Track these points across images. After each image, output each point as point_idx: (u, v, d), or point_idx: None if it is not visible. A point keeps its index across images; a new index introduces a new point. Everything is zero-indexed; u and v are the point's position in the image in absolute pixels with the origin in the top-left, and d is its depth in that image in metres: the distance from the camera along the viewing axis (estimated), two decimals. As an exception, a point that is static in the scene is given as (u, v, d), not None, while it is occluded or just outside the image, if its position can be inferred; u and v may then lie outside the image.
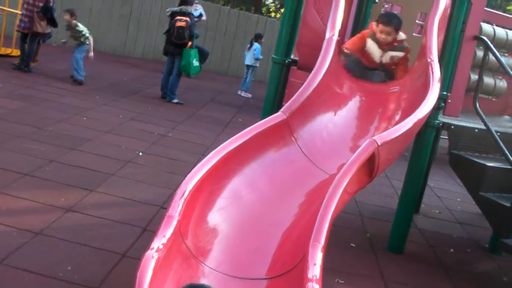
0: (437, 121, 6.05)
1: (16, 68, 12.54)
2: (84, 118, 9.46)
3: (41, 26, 12.35)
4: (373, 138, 3.91)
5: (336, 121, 4.91)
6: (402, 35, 5.83)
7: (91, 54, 12.74)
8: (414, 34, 7.13)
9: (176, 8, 12.99)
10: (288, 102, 4.50)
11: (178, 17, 12.51)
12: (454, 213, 8.60)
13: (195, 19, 13.43)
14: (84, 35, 12.54)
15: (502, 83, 7.21)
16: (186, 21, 12.43)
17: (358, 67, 5.75)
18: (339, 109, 5.04)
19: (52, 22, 12.59)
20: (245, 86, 16.48)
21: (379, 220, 7.56)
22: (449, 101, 6.25)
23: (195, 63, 12.65)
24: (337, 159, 4.38)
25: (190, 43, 12.56)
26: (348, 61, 5.79)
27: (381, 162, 3.99)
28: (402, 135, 4.15)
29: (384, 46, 5.75)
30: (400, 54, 5.80)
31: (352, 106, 5.20)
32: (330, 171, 4.36)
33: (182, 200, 3.53)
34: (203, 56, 12.94)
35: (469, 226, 8.04)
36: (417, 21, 7.35)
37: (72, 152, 7.56)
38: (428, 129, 6.04)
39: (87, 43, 12.62)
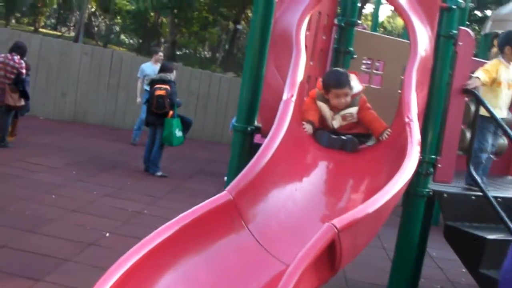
0: (427, 190, 5.31)
1: None
2: (53, 196, 8.79)
3: (13, 99, 11.78)
4: (331, 222, 3.13)
5: (297, 198, 4.13)
6: (356, 87, 5.08)
7: None
8: (399, 91, 6.38)
9: (155, 76, 12.40)
10: (235, 180, 3.75)
11: (158, 85, 11.88)
12: (458, 286, 7.75)
13: None
14: None
15: (503, 140, 6.47)
16: (165, 89, 11.79)
17: (324, 135, 4.95)
18: (300, 184, 4.27)
19: (24, 95, 11.98)
20: None
21: (372, 301, 6.69)
22: (439, 165, 5.51)
23: (178, 133, 11.97)
24: (297, 245, 3.56)
25: (171, 112, 11.87)
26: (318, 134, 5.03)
27: (344, 250, 3.21)
28: (371, 216, 3.37)
29: (334, 109, 5.05)
30: (352, 110, 5.03)
31: (318, 178, 4.45)
32: (289, 260, 3.54)
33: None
34: (186, 125, 12.22)
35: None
36: (402, 76, 6.61)
37: (29, 235, 6.89)
38: (416, 200, 5.30)
39: None
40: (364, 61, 6.87)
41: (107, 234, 7.39)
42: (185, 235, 3.48)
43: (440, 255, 8.96)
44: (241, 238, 3.70)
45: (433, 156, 5.32)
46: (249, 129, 5.46)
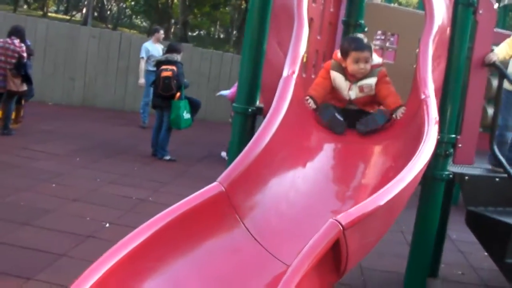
0: (446, 173, 4.83)
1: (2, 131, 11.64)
2: (53, 185, 8.38)
3: (15, 84, 11.37)
4: (336, 218, 2.67)
5: (300, 188, 3.66)
6: (376, 59, 4.66)
7: None
8: (415, 66, 5.91)
9: (161, 57, 11.96)
10: (227, 169, 3.30)
11: (164, 67, 11.42)
12: (480, 272, 7.28)
13: None
14: None
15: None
16: (172, 70, 11.32)
17: (328, 112, 4.48)
18: (304, 171, 3.80)
19: (27, 79, 11.58)
20: None
21: (389, 291, 6.23)
22: (460, 145, 5.04)
23: (186, 115, 11.50)
24: (300, 242, 3.09)
25: (178, 94, 11.41)
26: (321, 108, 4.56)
27: (351, 250, 2.75)
28: (383, 208, 2.90)
29: (352, 78, 4.57)
30: (371, 80, 4.58)
31: (324, 164, 3.97)
32: (290, 260, 3.09)
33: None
34: (194, 107, 11.75)
35: (498, 290, 6.70)
36: (417, 50, 6.12)
37: (23, 228, 6.48)
38: (435, 184, 4.85)
39: None
40: (377, 37, 6.41)
41: (107, 225, 6.98)
42: (170, 234, 3.05)
43: (460, 238, 8.46)
44: (235, 235, 3.26)
45: (452, 136, 4.84)
46: (250, 110, 4.97)
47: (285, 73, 3.97)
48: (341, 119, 4.40)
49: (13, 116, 12.02)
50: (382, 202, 2.89)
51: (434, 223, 5.07)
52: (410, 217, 5.46)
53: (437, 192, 4.93)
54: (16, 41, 11.44)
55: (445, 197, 5.24)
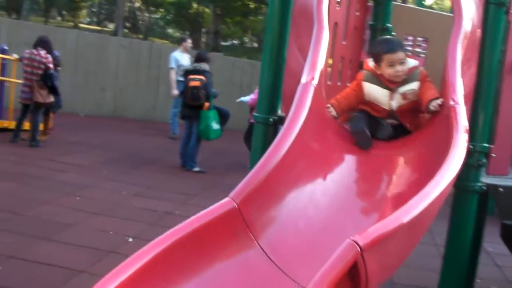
0: (479, 184, 4.55)
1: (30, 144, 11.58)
2: (77, 198, 8.27)
3: (42, 96, 11.31)
4: (353, 238, 2.42)
5: (320, 203, 3.40)
6: (411, 61, 4.27)
7: None
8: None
9: (189, 66, 11.82)
10: (241, 183, 3.07)
11: (192, 76, 11.29)
12: (519, 288, 6.98)
13: None
14: None
15: None
16: (200, 80, 11.18)
17: (360, 129, 4.09)
18: (324, 185, 3.55)
19: (53, 91, 11.51)
20: None
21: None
22: (493, 155, 4.75)
23: (215, 126, 11.35)
24: (318, 261, 2.84)
25: (207, 104, 11.24)
26: (353, 118, 4.27)
27: (371, 273, 2.49)
28: (406, 227, 2.64)
29: (391, 85, 4.18)
30: (414, 85, 4.18)
31: (346, 178, 3.70)
32: (307, 281, 2.85)
33: None
34: (223, 117, 11.57)
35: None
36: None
37: (42, 243, 6.34)
38: (467, 196, 4.55)
39: None
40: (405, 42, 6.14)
41: (130, 240, 6.80)
42: (177, 253, 2.83)
43: (497, 251, 8.11)
44: (248, 254, 3.02)
45: (485, 145, 4.53)
46: (271, 119, 4.70)
47: (303, 79, 3.72)
48: (369, 134, 4.05)
49: (41, 127, 11.96)
50: (405, 220, 2.63)
51: (467, 236, 4.78)
52: (444, 229, 5.19)
53: (469, 204, 4.64)
54: (42, 52, 11.40)
55: (480, 209, 4.95)
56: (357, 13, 5.44)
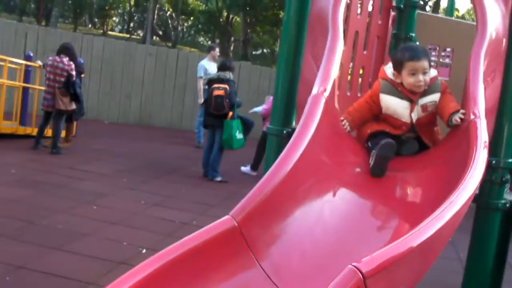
0: (502, 201, 4.30)
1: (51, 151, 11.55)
2: (94, 207, 8.11)
3: (64, 103, 11.23)
4: (356, 264, 2.22)
5: (329, 223, 3.19)
6: (432, 71, 3.96)
7: None
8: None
9: (213, 75, 11.66)
10: (242, 201, 2.88)
11: (216, 85, 11.12)
12: (547, 309, 6.66)
13: None
14: None
15: None
16: (224, 89, 11.01)
17: (383, 156, 3.73)
18: (333, 204, 3.33)
19: (76, 98, 11.42)
20: None
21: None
22: (519, 171, 4.50)
23: (238, 135, 11.16)
24: (324, 286, 2.64)
25: (231, 113, 11.06)
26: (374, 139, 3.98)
27: (375, 301, 2.28)
28: (416, 251, 2.43)
29: (413, 96, 3.89)
30: (435, 97, 3.90)
31: (357, 197, 3.48)
32: (312, 307, 2.67)
33: None
34: (247, 127, 11.38)
35: None
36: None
37: (53, 253, 6.16)
38: (489, 214, 4.30)
39: None
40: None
41: (144, 251, 6.62)
42: (172, 274, 2.66)
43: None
44: (249, 276, 2.82)
45: (510, 160, 4.28)
46: (285, 132, 4.47)
47: (314, 90, 3.50)
48: (386, 164, 3.74)
49: (63, 135, 11.89)
50: (415, 244, 2.41)
51: (489, 256, 4.52)
52: (468, 243, 4.95)
53: (492, 222, 4.38)
54: (65, 59, 11.32)
55: (504, 225, 4.69)
56: (380, 22, 5.24)
